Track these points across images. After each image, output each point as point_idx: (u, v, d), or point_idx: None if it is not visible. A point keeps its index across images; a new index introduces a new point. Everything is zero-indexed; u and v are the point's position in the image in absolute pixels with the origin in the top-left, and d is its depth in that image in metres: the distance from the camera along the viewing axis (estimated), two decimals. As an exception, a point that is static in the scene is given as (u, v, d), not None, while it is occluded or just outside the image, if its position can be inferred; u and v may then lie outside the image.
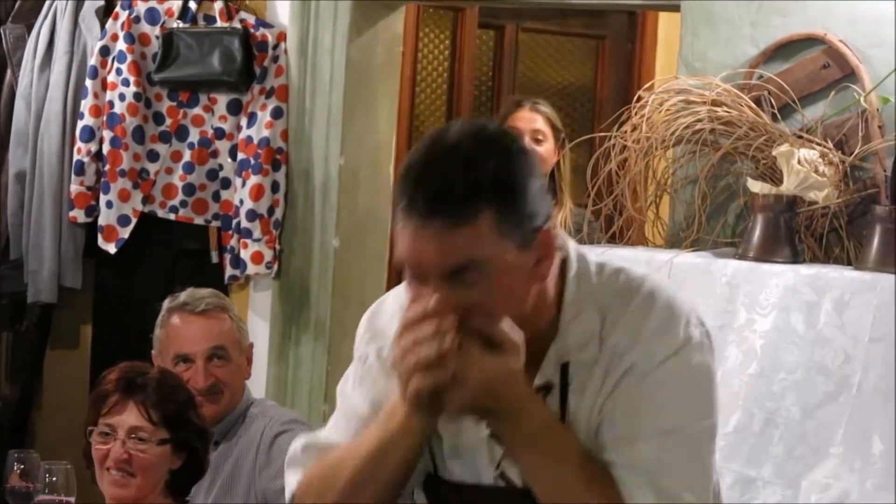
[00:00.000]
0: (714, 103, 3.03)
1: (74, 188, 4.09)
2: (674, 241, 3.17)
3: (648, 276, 1.78)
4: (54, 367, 4.35)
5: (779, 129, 3.03)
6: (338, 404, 1.88)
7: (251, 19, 4.05)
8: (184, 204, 4.08)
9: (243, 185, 4.00)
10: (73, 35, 4.13)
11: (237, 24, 4.02)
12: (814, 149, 2.92)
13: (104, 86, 4.08)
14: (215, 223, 4.09)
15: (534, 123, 4.14)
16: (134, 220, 4.07)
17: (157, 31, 4.07)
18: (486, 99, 4.68)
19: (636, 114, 3.08)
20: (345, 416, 1.85)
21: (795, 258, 2.89)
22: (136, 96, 4.05)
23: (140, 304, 3.71)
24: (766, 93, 3.08)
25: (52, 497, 2.56)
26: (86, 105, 4.08)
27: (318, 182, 3.99)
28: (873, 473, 2.55)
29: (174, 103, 4.09)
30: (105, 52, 4.08)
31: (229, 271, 4.05)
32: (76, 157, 4.08)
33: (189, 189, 4.08)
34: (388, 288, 2.62)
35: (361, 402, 1.83)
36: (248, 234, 3.99)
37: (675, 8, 3.37)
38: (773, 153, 2.93)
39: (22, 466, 2.62)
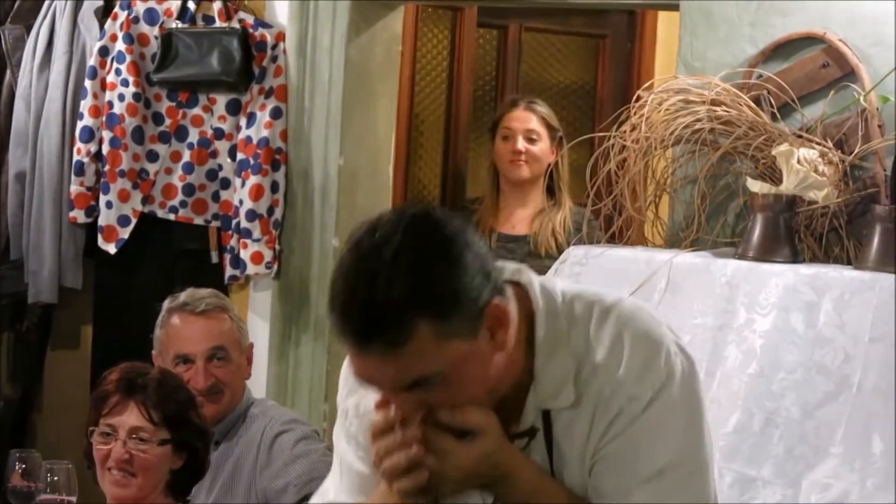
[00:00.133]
0: (713, 103, 3.03)
1: (74, 188, 4.09)
2: (673, 241, 3.17)
3: (618, 304, 1.75)
4: (55, 367, 4.35)
5: (778, 128, 3.03)
6: (335, 454, 1.89)
7: (250, 19, 4.05)
8: (183, 204, 4.09)
9: (243, 185, 4.00)
10: (72, 35, 4.13)
11: (236, 25, 4.02)
12: (813, 148, 2.92)
13: (103, 86, 4.08)
14: (215, 223, 4.10)
15: (527, 123, 4.14)
16: (134, 221, 4.07)
17: (155, 31, 4.07)
18: (489, 98, 4.67)
19: (635, 113, 3.08)
20: (345, 474, 1.86)
21: (795, 258, 2.89)
22: (136, 97, 4.05)
23: (140, 304, 3.71)
24: (765, 92, 3.08)
25: (53, 497, 2.57)
26: (85, 105, 4.08)
27: (317, 182, 3.99)
28: (874, 473, 2.55)
29: (173, 103, 4.09)
30: (104, 52, 4.08)
31: (229, 271, 4.05)
32: (76, 157, 4.08)
33: (189, 189, 4.08)
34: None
35: (354, 459, 1.85)
36: (247, 234, 3.99)
37: (675, 7, 3.37)
38: (773, 153, 2.93)
39: (24, 466, 2.63)
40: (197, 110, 4.09)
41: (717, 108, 3.02)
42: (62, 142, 4.11)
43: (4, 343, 4.34)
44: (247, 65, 4.00)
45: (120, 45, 4.06)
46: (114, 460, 2.59)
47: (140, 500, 2.61)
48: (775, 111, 3.06)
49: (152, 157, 4.09)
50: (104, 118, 4.06)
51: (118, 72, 4.06)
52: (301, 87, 4.00)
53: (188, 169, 4.08)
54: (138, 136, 4.06)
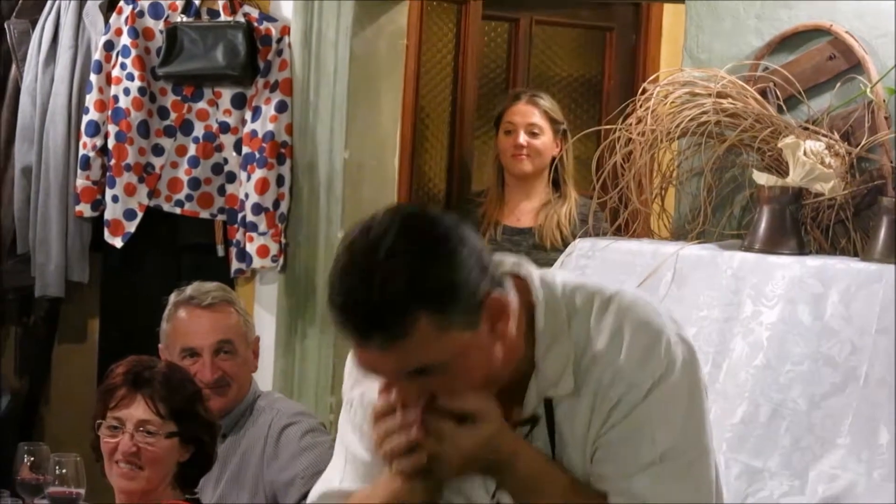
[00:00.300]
0: (719, 95, 3.03)
1: (80, 182, 4.09)
2: (679, 234, 3.17)
3: (619, 294, 1.77)
4: (62, 360, 4.36)
5: (784, 120, 3.02)
6: (338, 443, 1.90)
7: (255, 13, 4.05)
8: (189, 198, 4.09)
9: (248, 178, 4.01)
10: (77, 30, 4.13)
11: (241, 18, 4.03)
12: (820, 140, 2.92)
13: (109, 80, 4.08)
14: (221, 217, 4.10)
15: (529, 117, 4.14)
16: (140, 215, 4.08)
17: (160, 25, 4.07)
18: (499, 91, 4.66)
19: (641, 106, 3.08)
20: (350, 462, 1.88)
21: (801, 250, 2.88)
22: (141, 91, 4.05)
23: (146, 298, 3.71)
24: (771, 84, 3.07)
25: (62, 489, 2.58)
26: (91, 100, 4.09)
27: (322, 175, 3.99)
28: (880, 464, 2.55)
29: (178, 97, 4.10)
30: (109, 46, 4.09)
31: (235, 265, 4.05)
32: (81, 151, 4.09)
33: (194, 183, 4.09)
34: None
35: (359, 448, 1.86)
36: (253, 227, 3.99)
37: (680, 0, 3.36)
38: (779, 145, 2.93)
39: (32, 459, 2.63)
40: (202, 104, 4.09)
41: (723, 101, 3.02)
42: (68, 136, 4.12)
43: (12, 337, 4.35)
44: (252, 59, 4.01)
45: (125, 40, 4.06)
46: (121, 453, 2.60)
47: (148, 492, 2.62)
48: (781, 103, 3.06)
49: (158, 151, 4.10)
50: (110, 112, 4.07)
51: (123, 66, 4.06)
52: (306, 80, 4.00)
53: (194, 163, 4.09)
54: (144, 130, 4.07)
